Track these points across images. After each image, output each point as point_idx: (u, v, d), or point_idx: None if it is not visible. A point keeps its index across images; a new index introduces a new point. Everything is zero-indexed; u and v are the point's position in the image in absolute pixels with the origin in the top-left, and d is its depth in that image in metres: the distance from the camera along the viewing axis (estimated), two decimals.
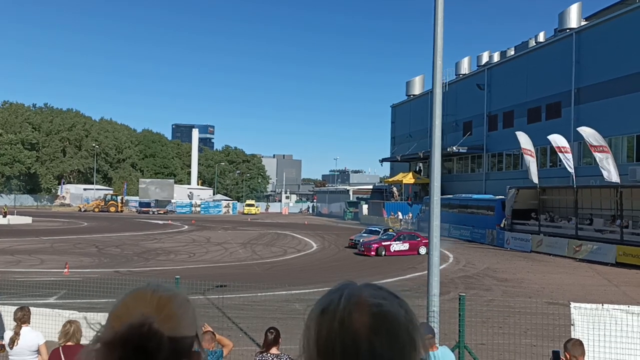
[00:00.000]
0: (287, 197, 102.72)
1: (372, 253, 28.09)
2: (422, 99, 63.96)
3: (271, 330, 5.90)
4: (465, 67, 59.62)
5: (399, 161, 65.00)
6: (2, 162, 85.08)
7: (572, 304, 8.57)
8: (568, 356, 5.33)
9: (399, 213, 53.55)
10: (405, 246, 29.08)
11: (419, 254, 28.51)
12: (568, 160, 31.04)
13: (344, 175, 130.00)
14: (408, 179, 59.44)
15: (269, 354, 5.90)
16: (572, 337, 7.16)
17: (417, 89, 68.16)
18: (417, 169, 63.41)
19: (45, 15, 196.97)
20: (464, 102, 54.77)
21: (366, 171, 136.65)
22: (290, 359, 5.98)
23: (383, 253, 28.31)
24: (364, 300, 1.04)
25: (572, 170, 30.88)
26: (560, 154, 31.91)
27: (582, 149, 37.18)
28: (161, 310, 1.04)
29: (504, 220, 36.36)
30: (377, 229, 33.48)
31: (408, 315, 1.05)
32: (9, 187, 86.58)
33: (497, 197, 39.75)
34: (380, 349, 0.99)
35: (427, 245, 22.56)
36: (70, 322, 5.83)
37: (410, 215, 52.75)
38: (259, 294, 16.36)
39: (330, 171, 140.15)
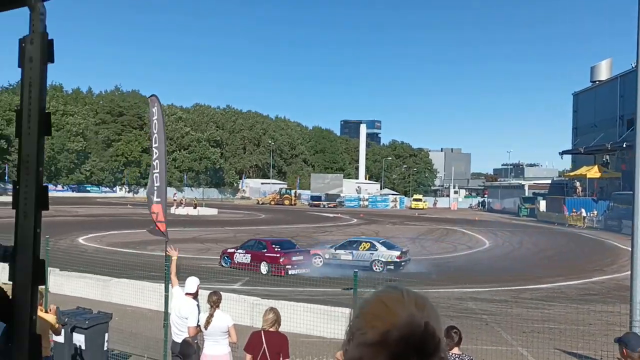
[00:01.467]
0: (455, 192, 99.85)
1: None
2: (610, 84, 57.87)
3: (455, 331, 5.60)
4: None
5: (582, 153, 59.52)
6: (192, 158, 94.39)
7: None
8: None
9: (582, 210, 49.03)
10: (246, 258, 19.81)
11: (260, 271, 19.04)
12: None
13: (517, 169, 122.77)
14: (593, 172, 54.14)
15: (451, 354, 5.62)
16: None
17: (603, 74, 61.77)
18: (604, 162, 57.55)
19: (225, 25, 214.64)
20: None
21: (543, 164, 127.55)
22: (471, 359, 5.68)
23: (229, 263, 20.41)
24: None
25: None
26: None
27: None
28: (422, 310, 1.07)
29: None
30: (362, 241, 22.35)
31: None
32: (198, 181, 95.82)
33: None
34: None
35: (273, 261, 18.12)
36: (272, 310, 6.17)
37: (596, 212, 48.04)
38: (430, 290, 15.99)
39: (502, 165, 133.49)
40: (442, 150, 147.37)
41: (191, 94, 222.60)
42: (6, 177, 75.21)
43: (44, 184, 1.84)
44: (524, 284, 18.26)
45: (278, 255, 19.21)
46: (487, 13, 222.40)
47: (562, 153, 66.51)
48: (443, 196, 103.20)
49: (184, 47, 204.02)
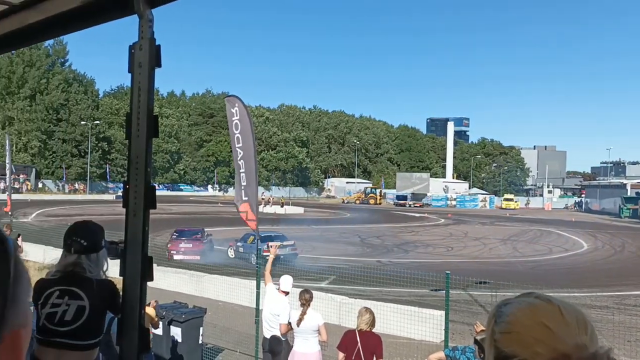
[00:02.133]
0: (549, 192, 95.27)
1: None
2: None
3: None
4: None
5: None
6: (279, 157, 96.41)
7: None
8: None
9: None
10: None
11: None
12: None
13: (618, 167, 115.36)
14: None
15: None
16: None
17: None
18: None
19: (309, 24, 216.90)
20: None
21: None
22: None
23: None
24: None
25: None
26: None
27: None
28: (585, 331, 0.95)
29: None
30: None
31: None
32: (285, 181, 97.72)
33: None
34: None
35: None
36: (368, 310, 6.19)
37: None
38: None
39: (601, 163, 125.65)
40: (534, 148, 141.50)
41: (277, 94, 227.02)
42: (107, 177, 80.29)
43: (152, 184, 1.92)
44: (626, 290, 17.12)
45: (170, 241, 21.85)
46: (581, 6, 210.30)
47: None
48: (536, 196, 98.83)
49: (268, 46, 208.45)
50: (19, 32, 2.43)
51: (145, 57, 1.84)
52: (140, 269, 1.87)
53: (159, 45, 1.85)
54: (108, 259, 2.78)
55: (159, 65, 1.86)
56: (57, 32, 2.46)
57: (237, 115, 9.57)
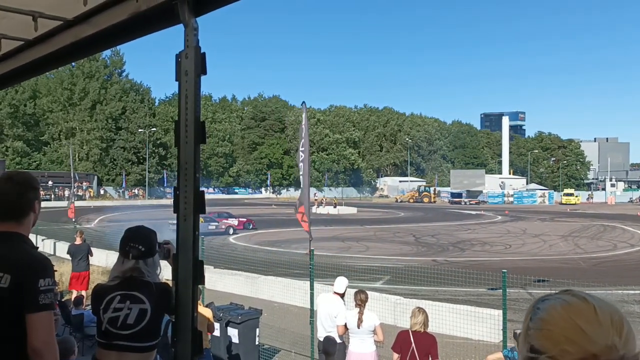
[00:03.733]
0: (612, 185, 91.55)
1: None
2: None
3: None
4: None
5: None
6: (331, 159, 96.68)
7: None
8: None
9: None
10: None
11: None
12: None
13: None
14: None
15: None
16: None
17: None
18: None
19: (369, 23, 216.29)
20: None
21: None
22: None
23: None
24: None
25: None
26: None
27: None
28: (621, 333, 0.94)
29: None
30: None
31: None
32: (337, 181, 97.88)
33: None
34: None
35: None
36: (421, 310, 6.16)
37: None
38: (586, 291, 14.77)
39: None
40: (595, 141, 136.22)
41: (327, 95, 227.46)
42: (165, 182, 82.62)
43: (201, 189, 1.97)
44: None
45: None
46: None
47: None
48: (598, 190, 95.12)
49: (314, 48, 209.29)
50: (75, 45, 2.54)
51: (191, 65, 1.88)
52: (191, 273, 1.92)
53: (204, 53, 1.89)
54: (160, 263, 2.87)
55: (205, 73, 1.90)
56: (110, 44, 2.56)
57: (304, 121, 10.14)
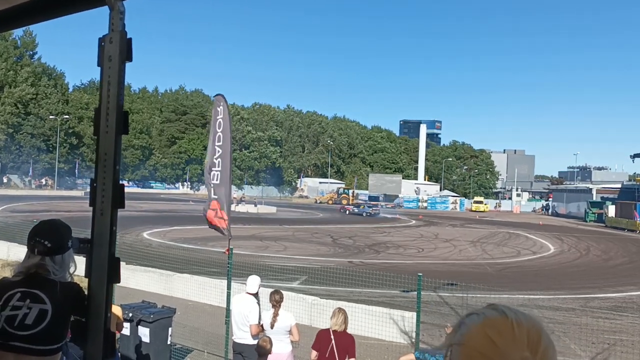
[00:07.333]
0: (518, 195, 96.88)
1: None
2: None
3: None
4: None
5: None
6: (252, 157, 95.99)
7: None
8: None
9: None
10: None
11: None
12: None
13: (584, 172, 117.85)
14: None
15: None
16: None
17: None
18: None
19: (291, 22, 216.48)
20: None
21: (612, 168, 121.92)
22: None
23: None
24: None
25: None
26: None
27: None
28: (536, 350, 0.92)
29: None
30: None
31: None
32: (258, 180, 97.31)
33: None
34: None
35: None
36: (341, 311, 6.30)
37: None
38: (492, 295, 15.56)
39: (568, 167, 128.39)
40: (504, 152, 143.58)
41: (250, 93, 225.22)
42: (76, 173, 78.74)
43: (120, 182, 1.85)
44: (592, 293, 17.50)
45: None
46: (552, 16, 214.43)
47: (634, 156, 63.52)
48: (505, 199, 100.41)
49: (242, 43, 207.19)
50: None
51: (116, 50, 1.77)
52: (106, 271, 1.80)
53: (130, 39, 1.79)
54: (75, 260, 2.68)
55: (130, 59, 1.79)
56: (24, 22, 2.36)
57: (221, 114, 9.64)
